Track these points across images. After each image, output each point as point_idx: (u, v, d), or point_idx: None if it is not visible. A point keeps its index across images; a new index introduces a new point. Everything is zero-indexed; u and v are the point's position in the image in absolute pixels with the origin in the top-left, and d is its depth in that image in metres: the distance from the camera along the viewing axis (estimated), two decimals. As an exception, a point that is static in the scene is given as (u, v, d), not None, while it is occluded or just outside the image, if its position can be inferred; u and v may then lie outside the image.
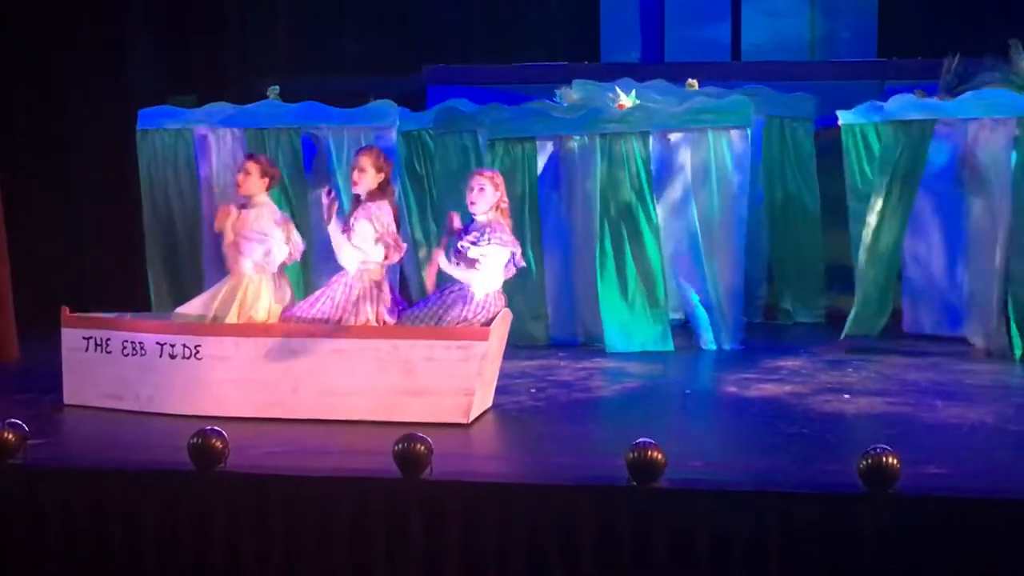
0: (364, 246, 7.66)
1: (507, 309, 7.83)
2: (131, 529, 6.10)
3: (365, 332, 7.59)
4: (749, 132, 10.00)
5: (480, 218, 7.75)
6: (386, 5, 13.84)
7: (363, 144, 9.31)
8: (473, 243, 7.65)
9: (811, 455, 6.83)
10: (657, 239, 10.07)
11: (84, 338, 8.03)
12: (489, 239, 7.64)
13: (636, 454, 5.85)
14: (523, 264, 7.98)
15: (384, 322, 7.70)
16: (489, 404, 7.86)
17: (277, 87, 10.44)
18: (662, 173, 10.20)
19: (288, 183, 10.03)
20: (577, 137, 10.24)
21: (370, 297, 7.71)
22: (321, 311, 7.72)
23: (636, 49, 13.56)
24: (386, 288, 7.79)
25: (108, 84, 11.73)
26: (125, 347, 7.87)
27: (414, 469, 5.97)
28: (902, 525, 5.65)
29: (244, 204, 8.17)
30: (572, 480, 6.06)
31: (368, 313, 7.70)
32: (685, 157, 10.16)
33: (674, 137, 10.17)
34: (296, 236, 8.25)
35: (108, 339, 7.95)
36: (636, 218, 10.02)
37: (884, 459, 5.68)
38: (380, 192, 7.75)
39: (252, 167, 8.11)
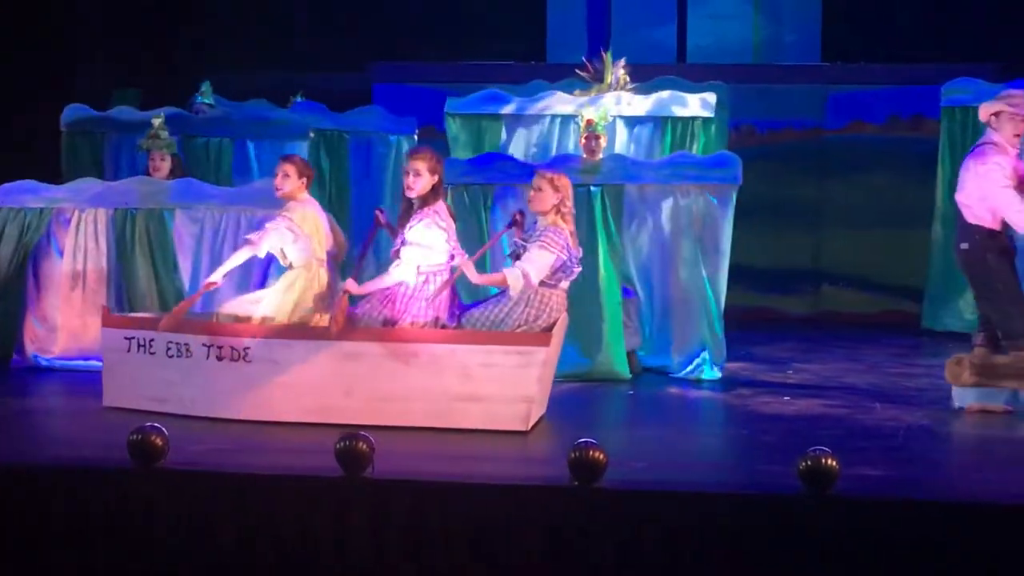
0: (431, 248, 7.44)
1: (565, 314, 7.63)
2: (72, 527, 6.05)
3: (422, 336, 7.37)
4: (734, 195, 9.12)
5: (541, 220, 7.59)
6: (332, 2, 13.80)
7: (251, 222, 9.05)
8: (524, 243, 7.54)
9: (752, 456, 6.89)
10: (617, 299, 9.17)
11: (126, 339, 7.76)
12: (539, 239, 7.47)
13: (578, 454, 5.87)
14: (579, 269, 7.69)
15: (443, 325, 7.48)
16: (544, 410, 7.61)
17: (160, 119, 9.88)
18: (636, 225, 9.29)
19: (172, 265, 9.40)
20: None
21: (431, 299, 7.47)
22: (383, 312, 7.51)
23: (583, 50, 13.57)
24: (447, 290, 7.55)
25: (52, 81, 11.60)
26: (170, 348, 7.59)
27: (356, 468, 5.96)
28: (841, 526, 5.70)
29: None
30: (514, 479, 6.08)
31: (427, 315, 7.47)
32: (664, 211, 9.19)
33: (652, 189, 9.20)
34: (341, 235, 8.11)
35: (152, 340, 7.67)
36: (596, 274, 9.00)
37: (823, 461, 5.74)
38: (434, 195, 7.55)
39: (289, 168, 7.91)
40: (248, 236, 8.01)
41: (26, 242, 9.28)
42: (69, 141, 10.77)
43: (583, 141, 9.57)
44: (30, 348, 9.23)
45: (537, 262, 7.43)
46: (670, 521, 5.76)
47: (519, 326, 7.41)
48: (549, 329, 7.44)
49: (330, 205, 10.31)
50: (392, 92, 12.44)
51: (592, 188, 9.10)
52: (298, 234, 7.81)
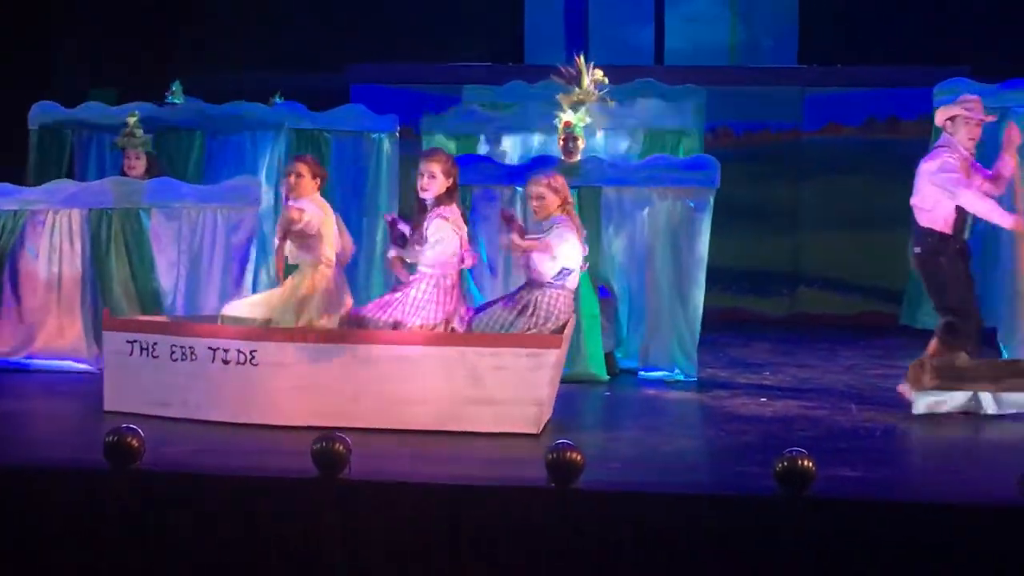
0: (443, 246, 7.44)
1: (573, 316, 7.65)
2: (46, 528, 6.03)
3: (431, 339, 7.34)
4: (712, 199, 9.17)
5: (545, 223, 7.65)
6: (310, 2, 13.78)
7: (224, 219, 9.18)
8: (536, 237, 7.56)
9: (728, 457, 6.90)
10: (594, 300, 9.16)
11: (128, 342, 7.66)
12: (554, 227, 7.54)
13: (555, 455, 5.87)
14: (586, 265, 7.81)
15: (452, 328, 7.46)
16: (551, 412, 7.57)
17: (135, 117, 9.82)
18: (614, 228, 9.35)
19: (149, 265, 9.33)
20: (523, 188, 9.07)
21: (441, 302, 7.46)
22: (392, 315, 7.48)
23: (561, 51, 13.58)
24: (457, 293, 7.55)
25: (28, 79, 11.55)
26: (174, 352, 7.50)
27: (332, 469, 5.95)
28: (818, 527, 5.71)
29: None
30: (491, 481, 6.08)
31: (436, 318, 7.45)
32: (641, 213, 9.26)
33: (629, 192, 9.28)
34: (348, 237, 8.01)
35: (155, 343, 7.58)
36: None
37: (800, 462, 5.75)
38: (448, 197, 7.54)
39: (303, 168, 7.82)
40: (290, 204, 7.79)
41: (1, 245, 9.23)
42: (38, 139, 10.70)
43: (561, 143, 9.57)
44: (4, 350, 9.19)
45: (564, 238, 7.51)
46: (647, 522, 5.76)
47: (528, 329, 7.42)
48: (559, 331, 7.43)
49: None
50: (370, 93, 12.41)
51: (570, 190, 9.09)
52: (314, 229, 7.72)
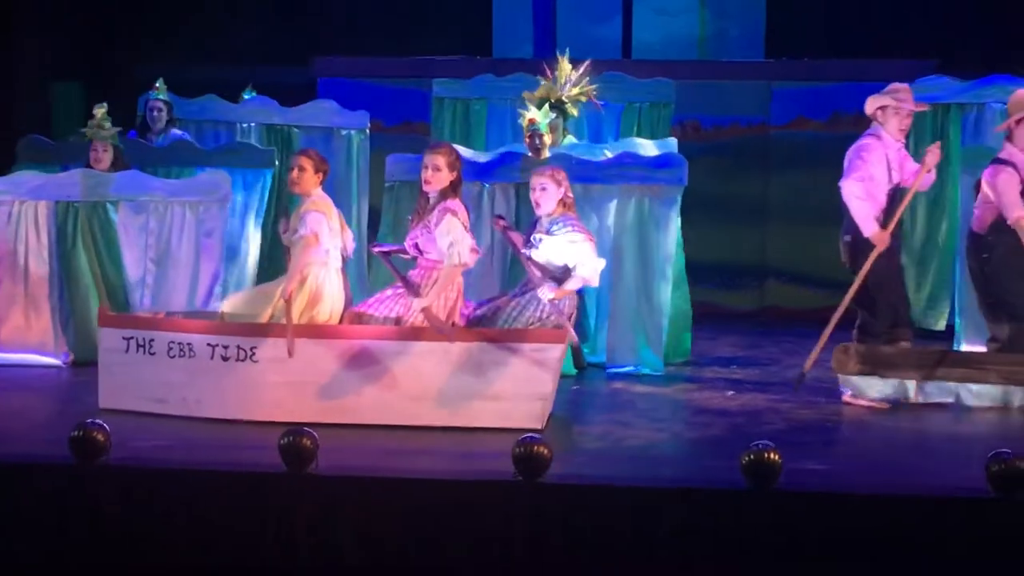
0: (457, 247, 7.30)
1: (575, 312, 7.61)
2: (12, 523, 6.00)
3: (434, 334, 7.25)
4: (679, 197, 9.22)
5: (546, 218, 7.53)
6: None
7: (198, 213, 9.20)
8: (546, 233, 7.43)
9: (695, 451, 6.92)
10: None
11: (124, 339, 7.53)
12: (564, 225, 7.41)
13: (523, 449, 5.88)
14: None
15: (454, 323, 7.36)
16: (551, 407, 7.51)
17: (103, 109, 9.69)
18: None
19: (116, 259, 9.28)
20: (490, 185, 9.33)
21: (443, 297, 7.35)
22: (394, 310, 7.42)
23: (529, 45, 13.59)
24: (459, 287, 7.46)
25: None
26: (171, 348, 7.39)
27: (300, 463, 5.94)
28: (784, 520, 5.74)
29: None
30: (459, 474, 6.08)
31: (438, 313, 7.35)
32: (609, 210, 9.24)
33: (597, 189, 9.23)
34: (349, 232, 7.90)
35: (152, 340, 7.45)
36: None
37: (766, 455, 5.77)
38: (452, 191, 7.46)
39: (306, 163, 7.67)
40: (302, 232, 7.57)
41: None
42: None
43: (527, 140, 9.56)
44: None
45: (592, 256, 7.42)
46: (614, 516, 5.77)
47: (531, 324, 7.36)
48: (562, 326, 7.36)
49: (279, 202, 10.29)
50: (337, 86, 12.39)
51: None
52: (328, 231, 7.63)
